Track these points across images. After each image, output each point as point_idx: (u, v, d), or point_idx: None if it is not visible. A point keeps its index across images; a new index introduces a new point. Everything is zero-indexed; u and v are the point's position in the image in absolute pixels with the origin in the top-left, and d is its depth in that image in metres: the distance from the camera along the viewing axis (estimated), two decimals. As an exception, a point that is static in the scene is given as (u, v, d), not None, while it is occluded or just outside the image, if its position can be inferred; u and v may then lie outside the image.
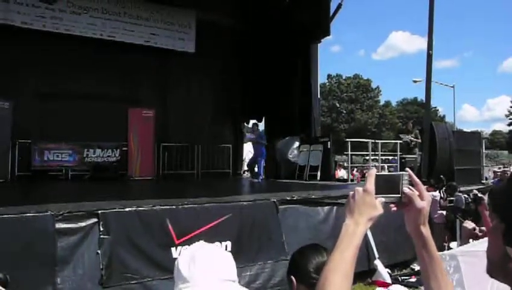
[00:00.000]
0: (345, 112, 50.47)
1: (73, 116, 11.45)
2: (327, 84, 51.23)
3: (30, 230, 3.96)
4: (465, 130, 25.16)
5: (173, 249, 4.75)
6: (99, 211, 4.36)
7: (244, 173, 14.97)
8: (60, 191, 8.71)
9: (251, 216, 5.56)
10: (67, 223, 4.19)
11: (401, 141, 12.48)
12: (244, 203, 5.69)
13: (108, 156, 12.43)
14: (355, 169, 16.93)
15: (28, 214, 4.05)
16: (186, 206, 5.09)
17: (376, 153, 12.88)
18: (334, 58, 77.98)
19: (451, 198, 7.92)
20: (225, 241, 5.15)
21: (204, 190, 8.99)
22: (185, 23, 13.39)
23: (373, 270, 6.25)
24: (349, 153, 11.79)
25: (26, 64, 11.20)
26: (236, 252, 3.85)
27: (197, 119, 13.58)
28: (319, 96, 13.13)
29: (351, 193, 1.15)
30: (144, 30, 12.85)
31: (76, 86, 11.70)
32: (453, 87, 30.22)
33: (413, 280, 6.37)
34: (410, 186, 1.14)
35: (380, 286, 5.81)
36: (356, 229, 1.09)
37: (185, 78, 13.42)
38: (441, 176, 8.87)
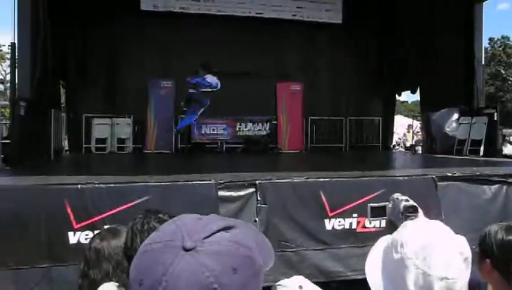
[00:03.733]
0: None
1: (227, 92, 12.19)
2: (489, 48, 45.46)
3: (198, 196, 4.32)
4: None
5: (326, 221, 4.73)
6: (257, 181, 4.54)
7: (394, 147, 14.30)
8: (217, 161, 9.39)
9: (407, 192, 5.17)
10: (228, 192, 4.46)
11: None
12: (400, 178, 5.38)
13: (259, 129, 13.08)
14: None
15: (195, 182, 4.44)
16: (339, 179, 5.02)
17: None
18: (499, 18, 68.62)
19: None
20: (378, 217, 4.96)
21: (356, 163, 8.80)
22: (331, -6, 13.09)
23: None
24: (521, 125, 10.35)
25: (184, 45, 12.26)
26: (390, 230, 3.67)
27: (345, 92, 13.37)
28: (483, 62, 11.67)
29: None
30: (290, 4, 12.97)
31: (228, 63, 12.36)
32: None
33: None
34: None
35: None
36: None
37: (332, 50, 13.21)
38: None
